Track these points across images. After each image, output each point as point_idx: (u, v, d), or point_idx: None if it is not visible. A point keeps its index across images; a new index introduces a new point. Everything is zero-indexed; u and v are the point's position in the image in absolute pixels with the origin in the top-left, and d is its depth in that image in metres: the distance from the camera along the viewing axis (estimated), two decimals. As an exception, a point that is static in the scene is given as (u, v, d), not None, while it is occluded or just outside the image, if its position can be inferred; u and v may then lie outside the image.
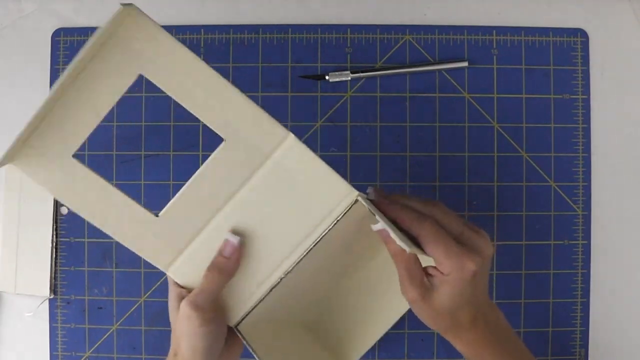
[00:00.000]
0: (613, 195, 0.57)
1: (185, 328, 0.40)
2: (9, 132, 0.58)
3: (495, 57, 0.58)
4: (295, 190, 0.41)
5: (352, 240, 0.48)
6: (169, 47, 0.40)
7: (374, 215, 0.40)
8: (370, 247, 0.50)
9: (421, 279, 0.41)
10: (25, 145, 0.40)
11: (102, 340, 0.57)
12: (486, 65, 0.58)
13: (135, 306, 0.57)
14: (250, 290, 0.42)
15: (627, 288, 0.57)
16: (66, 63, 0.58)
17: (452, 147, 0.57)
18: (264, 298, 0.42)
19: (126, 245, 0.41)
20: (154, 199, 0.57)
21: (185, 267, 0.42)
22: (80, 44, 0.58)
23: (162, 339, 0.57)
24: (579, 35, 0.58)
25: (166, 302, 0.57)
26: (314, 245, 0.41)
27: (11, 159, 0.40)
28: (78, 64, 0.38)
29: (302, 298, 0.50)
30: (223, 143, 0.41)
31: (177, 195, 0.41)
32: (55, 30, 0.58)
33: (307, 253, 0.41)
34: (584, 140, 0.57)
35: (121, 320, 0.57)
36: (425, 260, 0.42)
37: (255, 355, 0.42)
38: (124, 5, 0.38)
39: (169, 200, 0.57)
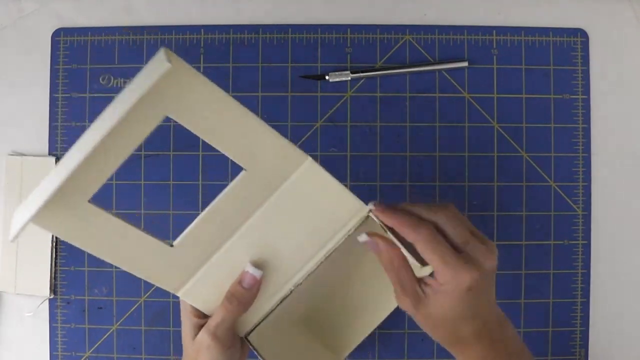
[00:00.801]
0: (613, 195, 0.57)
1: (203, 357, 0.41)
2: (9, 132, 0.59)
3: (495, 57, 0.58)
4: (308, 208, 0.42)
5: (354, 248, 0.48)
6: (192, 83, 0.38)
7: (386, 231, 0.40)
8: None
9: (412, 288, 0.40)
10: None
11: (102, 340, 0.57)
12: (486, 65, 0.58)
13: (135, 306, 0.57)
14: (261, 302, 0.43)
15: (627, 288, 0.57)
16: (66, 63, 0.58)
17: (452, 147, 0.57)
18: (274, 309, 0.43)
19: (137, 275, 0.41)
20: (154, 199, 0.57)
21: (198, 289, 0.42)
22: (80, 44, 0.58)
23: (162, 339, 0.57)
24: (579, 35, 0.58)
25: (166, 302, 0.57)
26: (325, 259, 0.42)
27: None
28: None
29: (305, 301, 0.51)
30: (243, 172, 0.41)
31: (193, 224, 0.41)
32: (55, 30, 0.58)
33: (317, 267, 0.42)
34: (584, 140, 0.57)
35: (121, 320, 0.57)
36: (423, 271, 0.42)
37: None
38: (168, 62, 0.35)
39: (169, 200, 0.57)
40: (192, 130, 0.40)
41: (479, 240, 0.41)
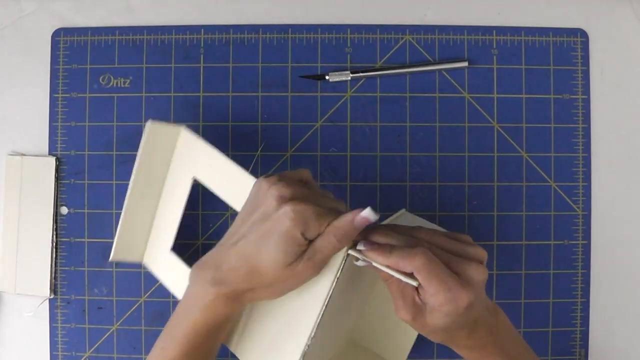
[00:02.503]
0: (613, 195, 0.57)
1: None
2: (9, 132, 0.59)
3: (495, 57, 0.58)
4: None
5: (356, 277, 0.49)
6: (210, 154, 0.50)
7: (371, 263, 0.40)
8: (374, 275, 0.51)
9: (412, 300, 0.41)
10: (146, 247, 0.55)
11: (102, 340, 0.57)
12: (486, 65, 0.58)
13: (135, 306, 0.57)
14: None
15: (627, 288, 0.57)
16: (66, 63, 0.58)
17: (452, 147, 0.57)
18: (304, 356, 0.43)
19: None
20: (154, 199, 0.57)
21: None
22: (80, 44, 0.58)
23: (162, 339, 0.57)
24: (579, 35, 0.58)
25: (166, 302, 0.57)
26: (326, 307, 0.42)
27: (139, 259, 0.55)
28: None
29: (335, 334, 0.51)
30: None
31: None
32: (55, 30, 0.58)
33: (322, 314, 0.42)
34: (584, 140, 0.57)
35: (121, 320, 0.57)
36: None
37: None
38: (177, 125, 0.53)
39: (169, 200, 0.56)
40: (208, 186, 0.51)
41: (461, 255, 0.41)
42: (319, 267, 0.40)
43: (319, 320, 0.41)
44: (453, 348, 0.44)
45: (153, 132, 0.51)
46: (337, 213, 0.40)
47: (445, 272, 0.39)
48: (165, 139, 0.52)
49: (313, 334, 0.42)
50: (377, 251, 0.40)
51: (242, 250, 0.41)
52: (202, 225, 0.57)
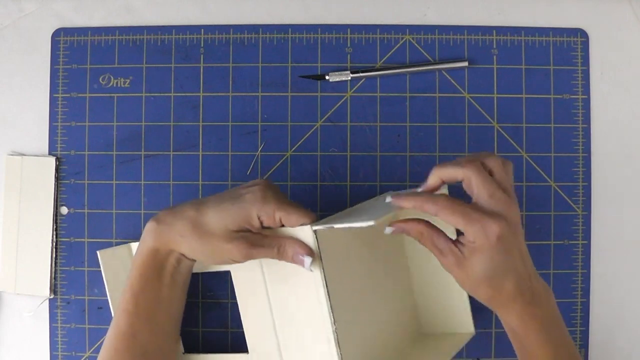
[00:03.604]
0: (613, 195, 0.57)
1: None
2: (9, 132, 0.59)
3: (495, 57, 0.58)
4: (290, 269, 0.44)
5: (366, 256, 0.49)
6: None
7: (340, 227, 0.41)
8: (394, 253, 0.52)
9: (449, 249, 0.42)
10: None
11: (102, 340, 0.57)
12: (486, 65, 0.58)
13: (135, 306, 0.57)
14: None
15: (627, 288, 0.57)
16: (66, 63, 0.58)
17: (452, 147, 0.57)
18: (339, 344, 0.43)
19: None
20: (154, 199, 0.57)
21: None
22: (80, 44, 0.58)
23: (162, 339, 0.56)
24: (579, 35, 0.58)
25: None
26: (327, 289, 0.43)
27: None
28: None
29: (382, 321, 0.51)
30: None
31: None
32: (55, 30, 0.58)
33: (329, 297, 0.43)
34: (584, 140, 0.57)
35: (121, 320, 0.57)
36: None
37: None
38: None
39: (169, 200, 0.57)
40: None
41: (506, 191, 0.42)
42: (249, 254, 0.43)
43: (329, 303, 0.43)
44: (501, 313, 0.44)
45: (106, 259, 0.53)
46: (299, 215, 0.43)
47: (468, 207, 0.41)
48: (118, 259, 0.54)
49: (333, 318, 0.43)
50: (400, 197, 0.43)
51: (201, 201, 0.45)
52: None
